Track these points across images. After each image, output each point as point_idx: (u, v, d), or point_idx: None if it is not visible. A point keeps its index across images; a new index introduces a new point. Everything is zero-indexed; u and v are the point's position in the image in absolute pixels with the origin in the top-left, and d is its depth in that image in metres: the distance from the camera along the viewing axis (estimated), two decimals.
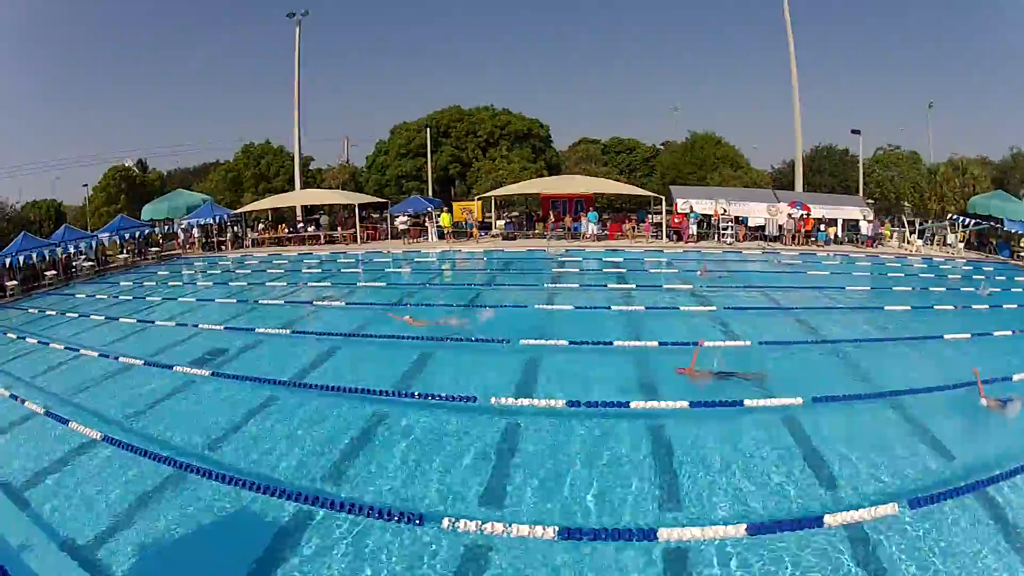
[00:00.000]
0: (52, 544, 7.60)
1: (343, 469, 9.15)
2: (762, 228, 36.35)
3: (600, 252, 32.98)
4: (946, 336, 15.20)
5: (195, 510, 8.14)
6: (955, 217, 33.16)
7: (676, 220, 37.19)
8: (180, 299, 25.72)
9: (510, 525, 6.91)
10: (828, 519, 6.91)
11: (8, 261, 29.94)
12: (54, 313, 24.67)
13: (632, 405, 10.47)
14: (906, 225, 35.68)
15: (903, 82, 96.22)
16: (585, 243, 37.47)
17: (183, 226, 42.11)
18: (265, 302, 24.19)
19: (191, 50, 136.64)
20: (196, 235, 41.98)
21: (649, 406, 10.56)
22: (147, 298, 26.34)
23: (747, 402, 10.40)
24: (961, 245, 32.30)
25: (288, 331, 18.72)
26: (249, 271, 32.99)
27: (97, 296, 27.41)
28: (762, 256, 30.86)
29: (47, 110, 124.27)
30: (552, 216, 42.08)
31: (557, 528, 6.91)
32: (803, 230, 34.93)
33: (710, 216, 36.88)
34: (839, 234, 35.11)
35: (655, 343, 14.61)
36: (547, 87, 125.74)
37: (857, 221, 35.15)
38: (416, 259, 34.86)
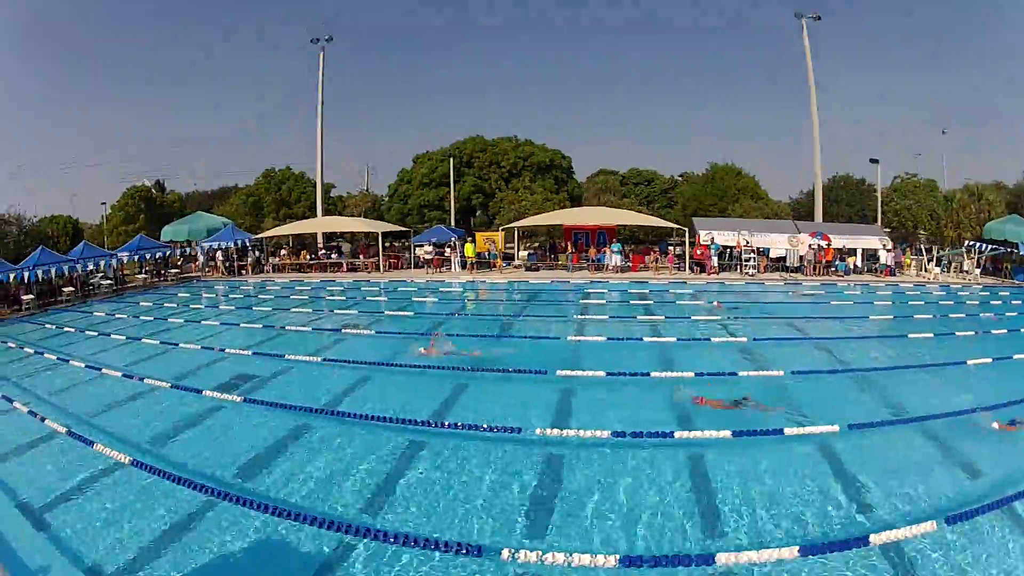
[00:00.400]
0: (71, 567, 7.23)
1: (382, 499, 8.71)
2: (783, 259, 36.14)
3: (625, 284, 32.50)
4: (969, 362, 15.32)
5: (223, 537, 7.73)
6: (971, 243, 33.15)
7: (699, 252, 36.84)
8: (203, 321, 24.80)
9: (571, 555, 6.69)
10: (873, 538, 6.97)
11: (26, 275, 29.05)
12: (73, 330, 23.86)
13: (676, 435, 10.41)
14: (923, 253, 35.54)
15: (917, 109, 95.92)
16: (609, 275, 36.93)
17: (204, 248, 40.88)
18: (292, 328, 23.35)
19: (214, 74, 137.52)
20: (220, 258, 41.00)
21: (692, 436, 10.45)
22: (169, 319, 25.49)
23: (787, 431, 10.39)
24: (977, 271, 32.18)
25: (317, 358, 17.88)
26: (272, 296, 32.27)
27: (116, 315, 26.67)
28: (784, 287, 30.59)
29: (67, 125, 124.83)
30: (571, 247, 41.76)
31: (618, 556, 6.73)
32: (823, 260, 34.69)
33: (732, 247, 36.65)
34: (858, 264, 34.86)
35: (691, 373, 14.25)
36: (565, 117, 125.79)
37: (876, 251, 34.94)
38: (441, 289, 34.30)
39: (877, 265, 34.32)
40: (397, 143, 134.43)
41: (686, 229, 38.91)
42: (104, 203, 58.73)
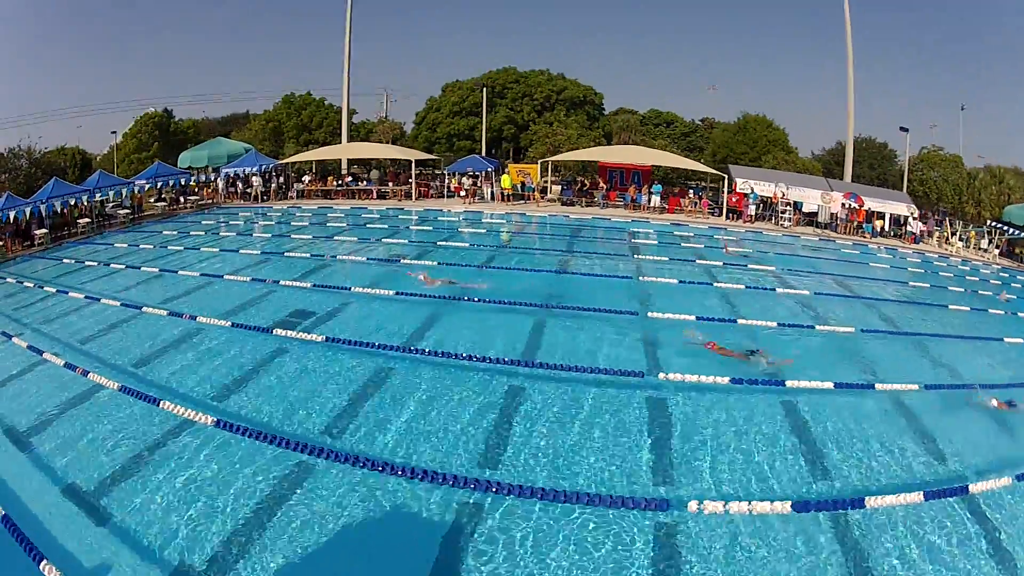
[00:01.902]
0: (90, 508, 7.34)
1: (515, 453, 8.43)
2: (815, 214, 35.21)
3: (667, 225, 31.37)
4: (1006, 340, 15.11)
5: (285, 483, 7.71)
6: (993, 224, 33.13)
7: (734, 199, 35.86)
8: (241, 251, 22.49)
9: (751, 503, 7.02)
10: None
11: (43, 208, 26.54)
12: (95, 264, 21.48)
13: (788, 383, 10.48)
14: (948, 226, 34.65)
15: (938, 82, 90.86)
16: (647, 215, 35.20)
17: (225, 175, 38.03)
18: (345, 258, 21.11)
19: None
20: (256, 183, 38.42)
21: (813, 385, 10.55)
22: (201, 248, 23.21)
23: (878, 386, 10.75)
24: (996, 252, 31.77)
25: (387, 291, 16.09)
26: (307, 223, 29.99)
27: (141, 246, 24.14)
28: (819, 243, 30.00)
29: (67, 56, 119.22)
30: (604, 184, 39.56)
31: (791, 503, 7.09)
32: (854, 221, 34.13)
33: (768, 198, 35.79)
34: (885, 227, 34.19)
35: (773, 323, 14.07)
36: (585, 51, 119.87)
37: (904, 217, 34.30)
38: (484, 220, 32.17)
39: (904, 231, 33.69)
40: (418, 70, 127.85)
41: (725, 177, 37.30)
42: (115, 132, 55.45)
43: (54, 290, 17.91)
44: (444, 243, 24.51)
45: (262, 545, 6.66)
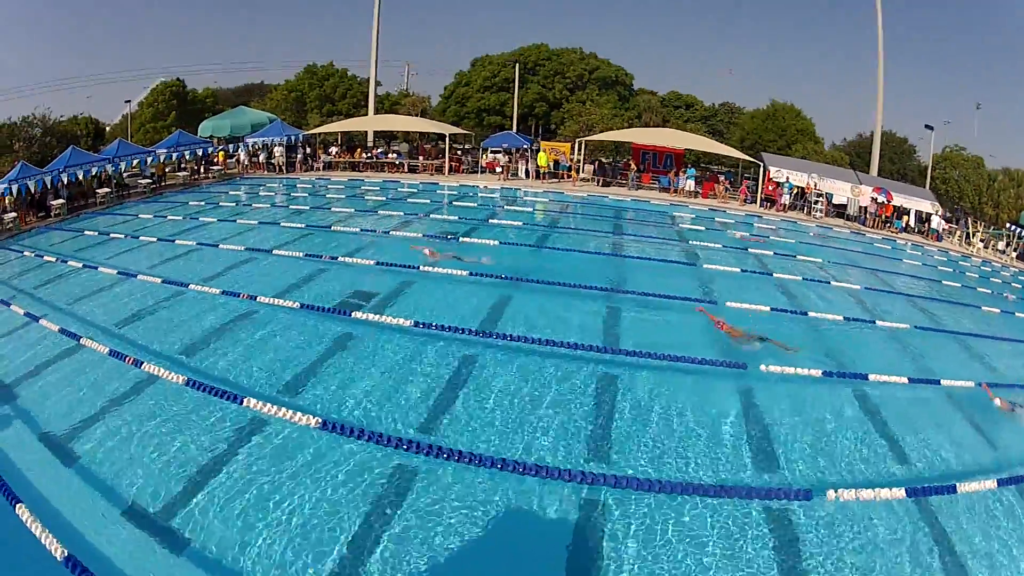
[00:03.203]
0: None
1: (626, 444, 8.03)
2: (844, 207, 34.87)
3: (704, 211, 30.16)
4: None
5: (315, 465, 7.30)
6: (1013, 227, 33.00)
7: (771, 187, 35.04)
8: (284, 223, 20.71)
9: (877, 490, 7.19)
10: None
11: (65, 178, 24.83)
12: (122, 236, 19.59)
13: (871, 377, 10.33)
14: (970, 226, 34.55)
15: (955, 78, 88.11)
16: (684, 199, 34.08)
17: (248, 144, 36.17)
18: (397, 233, 19.49)
19: None
20: (278, 154, 36.41)
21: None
22: (237, 220, 21.46)
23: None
24: (1015, 254, 31.58)
25: (457, 271, 14.71)
26: (343, 196, 28.18)
27: (169, 217, 22.24)
28: (854, 236, 29.26)
29: (72, 25, 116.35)
30: (635, 166, 38.19)
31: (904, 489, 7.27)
32: (883, 215, 33.72)
33: (801, 188, 35.09)
34: (911, 224, 33.69)
35: (839, 317, 13.80)
36: (608, 31, 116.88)
37: (928, 215, 34.00)
38: (525, 198, 30.42)
39: (927, 228, 33.32)
40: (440, 46, 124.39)
41: (760, 164, 36.25)
42: (128, 101, 53.39)
43: (80, 264, 16.10)
44: (495, 221, 22.99)
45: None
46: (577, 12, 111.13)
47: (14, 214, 22.48)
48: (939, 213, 34.06)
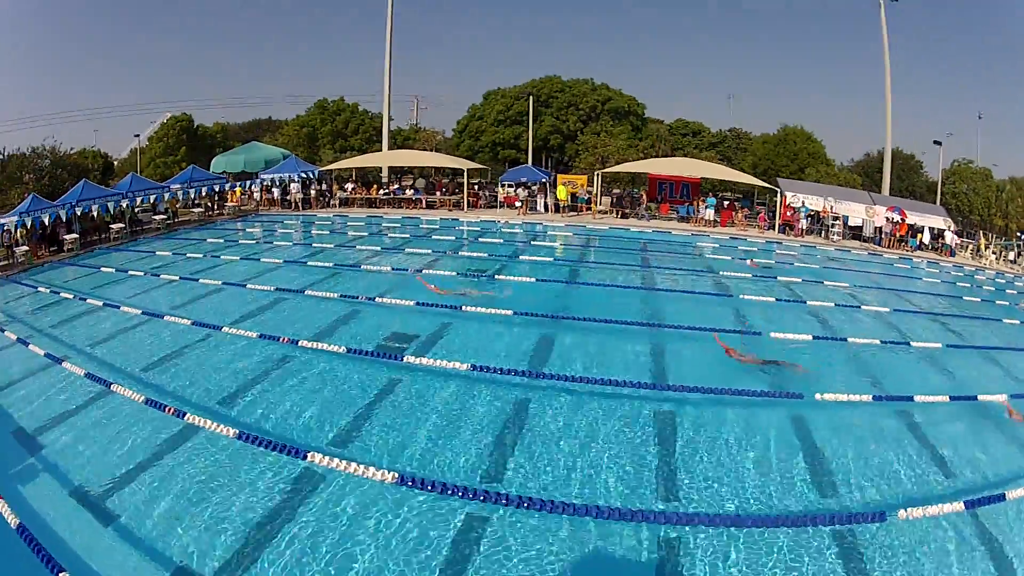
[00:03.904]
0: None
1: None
2: (859, 228, 34.84)
3: (728, 240, 30.11)
4: None
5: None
6: (1022, 236, 33.51)
7: (789, 213, 35.07)
8: (310, 262, 19.96)
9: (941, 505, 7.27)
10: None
11: (78, 210, 24.08)
12: (140, 274, 18.71)
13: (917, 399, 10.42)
14: (983, 239, 34.84)
15: (957, 90, 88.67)
16: (704, 228, 33.86)
17: (263, 181, 35.83)
18: (429, 271, 18.64)
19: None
20: (294, 190, 35.75)
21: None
22: (261, 259, 20.57)
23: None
24: None
25: (496, 309, 13.96)
26: (365, 234, 27.42)
27: (189, 255, 21.49)
28: (872, 258, 29.50)
29: (78, 58, 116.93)
30: (647, 197, 38.55)
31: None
32: (897, 235, 33.83)
33: (817, 212, 35.25)
34: (925, 241, 33.72)
35: (876, 341, 13.74)
36: (611, 61, 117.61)
37: (941, 231, 34.13)
38: (549, 232, 29.90)
39: (941, 244, 33.41)
40: (448, 81, 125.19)
41: (777, 190, 36.23)
42: (138, 135, 53.16)
43: (100, 303, 15.13)
44: (526, 257, 22.30)
45: None
46: (583, 42, 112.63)
47: (26, 248, 21.64)
48: (951, 228, 34.23)
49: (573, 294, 16.95)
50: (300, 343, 11.51)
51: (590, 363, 11.36)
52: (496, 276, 18.22)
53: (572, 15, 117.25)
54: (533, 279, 18.01)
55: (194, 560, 6.21)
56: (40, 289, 17.38)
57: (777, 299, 17.27)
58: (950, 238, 33.69)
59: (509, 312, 13.65)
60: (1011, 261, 32.65)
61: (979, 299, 21.28)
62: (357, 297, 14.99)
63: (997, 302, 21.11)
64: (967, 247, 34.46)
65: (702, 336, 12.81)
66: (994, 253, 33.58)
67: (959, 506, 7.30)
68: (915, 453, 8.84)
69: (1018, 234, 34.83)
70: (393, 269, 18.55)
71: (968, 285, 24.11)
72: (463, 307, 13.96)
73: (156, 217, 28.76)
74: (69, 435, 8.74)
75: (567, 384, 10.10)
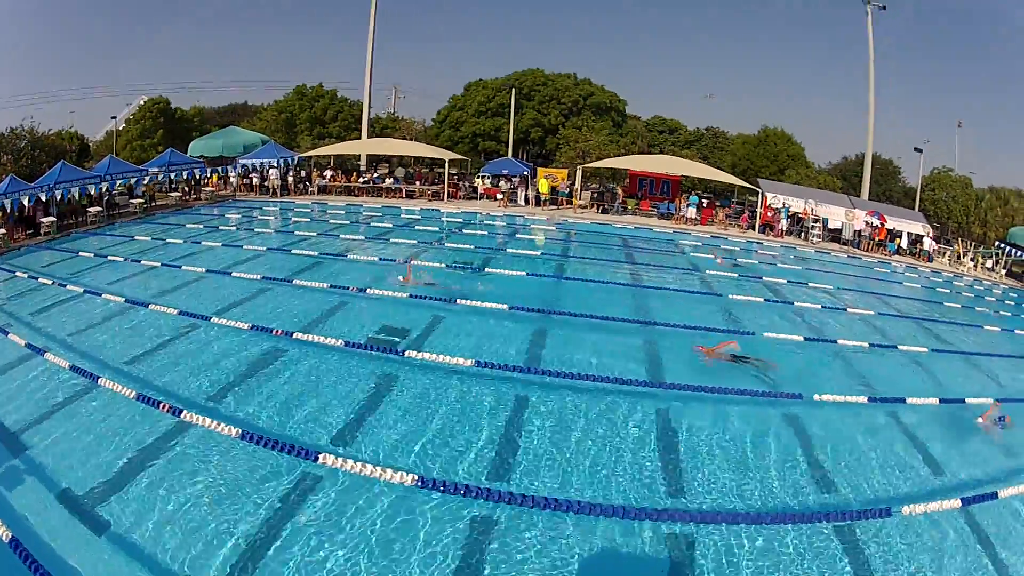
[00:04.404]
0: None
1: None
2: (839, 231, 35.54)
3: (706, 237, 30.14)
4: None
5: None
6: (1001, 245, 33.98)
7: (769, 214, 35.41)
8: (295, 250, 19.82)
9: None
10: None
11: (59, 194, 23.73)
12: (121, 259, 18.41)
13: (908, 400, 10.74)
14: (960, 246, 35.66)
15: (935, 97, 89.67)
16: (686, 226, 34.00)
17: (242, 166, 35.47)
18: (418, 262, 18.24)
19: None
20: (273, 176, 35.21)
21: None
22: (244, 247, 20.29)
23: None
24: (1003, 272, 32.69)
25: (496, 303, 13.87)
26: (347, 222, 27.16)
27: (168, 240, 21.17)
28: (852, 261, 29.85)
29: (51, 40, 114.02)
30: (620, 193, 38.62)
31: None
32: (876, 239, 34.42)
33: (797, 214, 35.78)
34: (903, 246, 34.47)
35: (865, 344, 14.14)
36: (591, 56, 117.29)
37: (920, 236, 34.95)
38: (532, 225, 29.67)
39: (919, 250, 34.05)
40: (427, 71, 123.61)
41: (759, 190, 36.60)
42: (114, 117, 52.17)
43: (81, 290, 14.81)
44: (513, 251, 22.39)
45: None
46: (564, 37, 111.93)
47: (2, 231, 21.11)
48: (930, 235, 34.84)
49: (561, 289, 17.08)
50: (294, 335, 11.40)
51: (582, 358, 11.37)
52: (484, 268, 18.29)
53: (551, 8, 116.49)
54: (523, 272, 18.00)
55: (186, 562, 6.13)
56: (18, 274, 16.95)
57: (765, 299, 17.55)
58: (929, 244, 34.25)
59: (504, 307, 13.71)
60: (988, 269, 33.20)
61: (960, 305, 21.65)
62: (348, 288, 14.79)
63: (977, 308, 21.58)
64: (944, 253, 35.08)
65: (685, 333, 13.05)
66: (972, 260, 34.09)
67: (956, 503, 7.61)
68: (906, 451, 9.23)
69: (997, 243, 35.20)
70: (381, 259, 18.50)
71: (948, 291, 24.61)
72: (457, 300, 14.00)
73: (133, 201, 28.21)
74: (54, 432, 8.50)
75: (554, 379, 10.19)
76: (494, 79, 56.24)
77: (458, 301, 13.92)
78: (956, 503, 7.68)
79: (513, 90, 50.55)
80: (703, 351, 11.80)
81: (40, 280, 16.12)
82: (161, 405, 8.50)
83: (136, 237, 21.67)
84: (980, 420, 10.46)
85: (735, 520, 6.96)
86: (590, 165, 40.01)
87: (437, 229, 26.02)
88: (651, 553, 6.47)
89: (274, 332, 11.49)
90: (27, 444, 8.13)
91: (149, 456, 7.83)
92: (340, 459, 7.37)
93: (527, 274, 17.86)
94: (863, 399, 10.63)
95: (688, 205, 35.91)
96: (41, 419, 8.80)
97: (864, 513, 7.28)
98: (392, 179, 38.12)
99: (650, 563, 6.37)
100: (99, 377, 9.58)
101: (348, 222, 26.91)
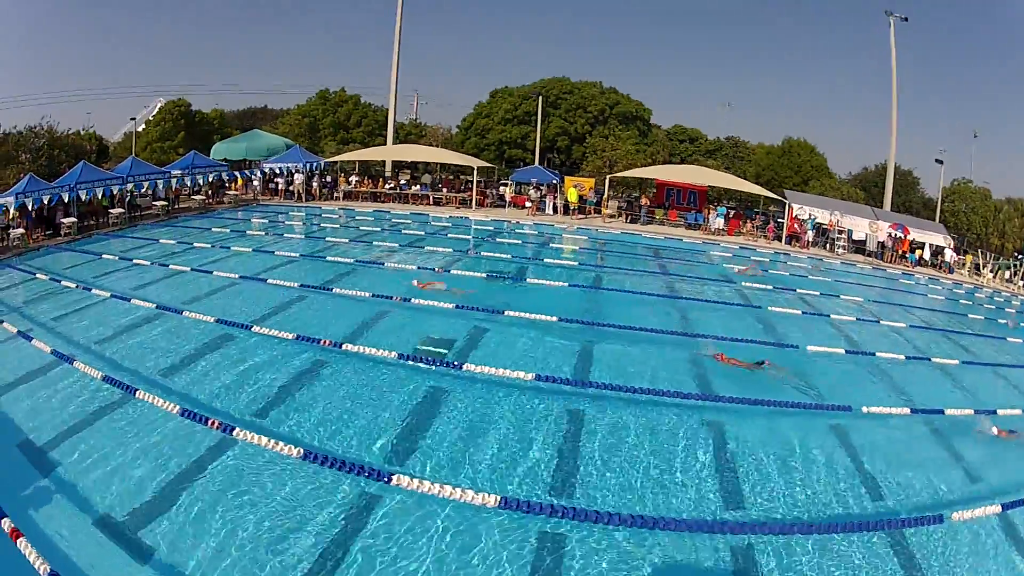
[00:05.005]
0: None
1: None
2: (863, 242, 35.41)
3: (738, 249, 29.82)
4: None
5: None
6: (1019, 256, 34.11)
7: (796, 225, 35.30)
8: (329, 256, 18.93)
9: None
10: None
11: (83, 195, 23.10)
12: (146, 263, 17.65)
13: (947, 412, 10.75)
14: (982, 258, 35.49)
15: (952, 107, 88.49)
16: (714, 237, 33.60)
17: (269, 170, 34.87)
18: (458, 272, 17.79)
19: None
20: (299, 181, 34.46)
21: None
22: (276, 252, 19.50)
23: None
24: (1022, 283, 32.69)
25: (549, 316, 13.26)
26: (378, 229, 26.10)
27: (196, 244, 20.38)
28: (877, 272, 29.86)
29: (71, 39, 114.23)
30: (645, 202, 37.91)
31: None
32: (899, 251, 34.32)
33: (822, 225, 35.72)
34: (925, 258, 34.33)
35: (901, 356, 14.00)
36: (613, 65, 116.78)
37: (941, 248, 34.82)
38: (565, 235, 29.26)
39: (941, 262, 34.06)
40: (447, 78, 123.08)
41: (786, 201, 36.33)
42: (133, 118, 51.66)
43: (107, 294, 13.93)
44: (550, 260, 21.78)
45: None
46: (587, 46, 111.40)
47: (21, 230, 20.34)
48: (951, 246, 34.84)
49: (602, 299, 16.67)
50: (344, 346, 10.51)
51: (631, 371, 11.14)
52: (523, 279, 17.75)
53: (572, 17, 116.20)
54: (565, 283, 17.39)
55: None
56: (38, 276, 16.17)
57: (804, 312, 17.34)
58: (950, 256, 34.23)
59: (553, 319, 13.08)
60: (1007, 280, 33.32)
61: (983, 317, 21.70)
62: (392, 297, 13.92)
63: (1000, 320, 21.60)
64: (963, 264, 34.92)
65: (749, 347, 12.84)
66: (992, 272, 34.04)
67: (996, 508, 7.71)
68: (948, 460, 9.51)
69: (1015, 254, 35.38)
70: (419, 268, 17.71)
71: (970, 303, 24.84)
72: (505, 312, 13.23)
73: (156, 203, 27.47)
74: (90, 449, 7.71)
75: (609, 392, 10.00)
76: (520, 87, 55.62)
77: (507, 312, 13.25)
78: (997, 508, 7.69)
79: (540, 97, 49.84)
80: (722, 359, 11.72)
81: (63, 283, 15.26)
82: (211, 422, 7.55)
83: (161, 240, 20.89)
84: (994, 432, 10.51)
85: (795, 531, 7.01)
86: (619, 174, 39.67)
87: (470, 237, 25.37)
88: (709, 565, 6.36)
89: (323, 343, 10.48)
90: (61, 463, 7.41)
91: (196, 477, 7.12)
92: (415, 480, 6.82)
93: (569, 284, 17.32)
94: (906, 410, 10.75)
95: (716, 216, 35.49)
96: (72, 433, 8.06)
97: (919, 520, 7.35)
98: (419, 186, 37.20)
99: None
100: (136, 389, 8.61)
101: (378, 229, 26.01)
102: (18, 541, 5.44)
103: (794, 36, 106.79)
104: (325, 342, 10.66)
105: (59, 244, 21.12)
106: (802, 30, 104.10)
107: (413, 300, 13.66)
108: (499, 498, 6.53)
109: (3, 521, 5.71)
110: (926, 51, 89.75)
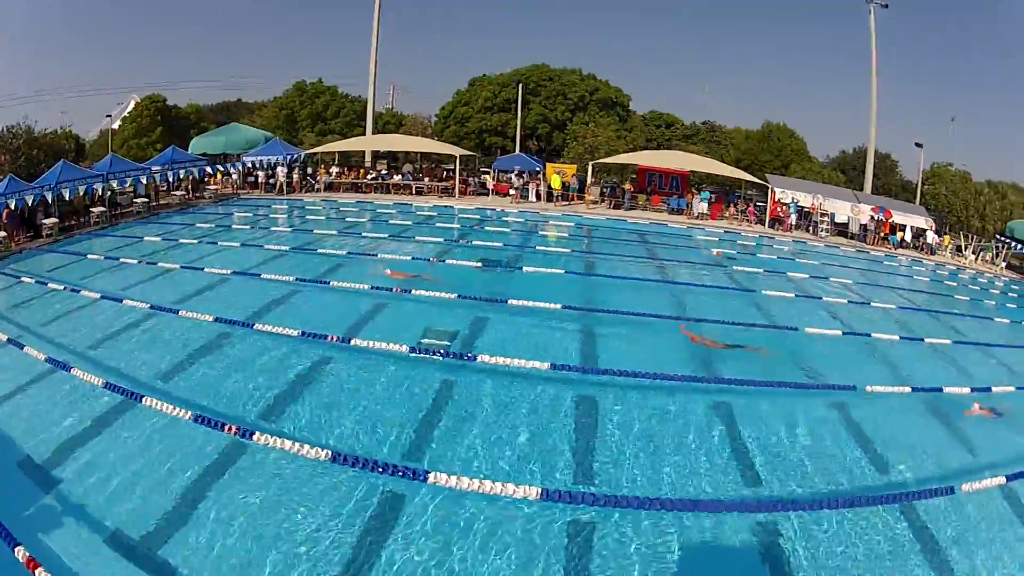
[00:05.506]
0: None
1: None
2: (845, 225, 35.88)
3: (723, 233, 30.04)
4: None
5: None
6: (1001, 238, 34.63)
7: (779, 209, 35.55)
8: (321, 249, 18.88)
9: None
10: None
11: (66, 193, 22.78)
12: (133, 262, 17.29)
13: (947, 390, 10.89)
14: (961, 239, 36.21)
15: (929, 91, 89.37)
16: (697, 222, 33.91)
17: (249, 163, 34.49)
18: (452, 262, 17.90)
19: None
20: (280, 174, 34.22)
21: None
22: (264, 247, 19.20)
23: None
24: (1003, 264, 33.36)
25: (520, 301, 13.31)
26: (363, 220, 26.05)
27: (181, 241, 20.11)
28: (860, 254, 30.14)
29: (44, 37, 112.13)
30: (628, 187, 38.17)
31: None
32: (881, 233, 34.87)
33: (805, 208, 36.15)
34: (907, 239, 34.80)
35: (895, 336, 14.24)
36: (586, 49, 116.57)
37: (923, 230, 35.45)
38: (551, 222, 29.16)
39: (923, 243, 34.63)
40: (430, 66, 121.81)
41: (768, 185, 36.60)
42: (109, 115, 50.82)
43: (97, 295, 13.62)
44: (542, 247, 21.84)
45: None
46: (564, 32, 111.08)
47: (3, 233, 19.93)
48: (932, 228, 35.31)
49: (598, 285, 16.61)
50: (352, 341, 10.44)
51: (632, 356, 11.14)
52: (515, 266, 17.63)
53: (549, 2, 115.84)
54: (561, 270, 17.39)
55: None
56: (23, 279, 15.87)
57: (797, 295, 17.61)
58: (932, 237, 34.67)
59: (553, 305, 13.11)
60: (989, 262, 33.83)
61: (968, 298, 22.10)
62: (391, 289, 13.92)
63: (985, 301, 22.21)
64: (944, 246, 35.49)
65: (752, 331, 13.12)
66: (973, 253, 34.59)
67: (1000, 479, 8.02)
68: (952, 435, 9.73)
69: (996, 236, 35.87)
70: (413, 257, 17.73)
71: (955, 284, 25.07)
72: (509, 301, 13.25)
73: (136, 200, 27.07)
74: (94, 459, 7.58)
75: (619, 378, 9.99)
76: (499, 74, 55.30)
77: (511, 301, 13.24)
78: (1002, 480, 7.96)
79: (520, 85, 49.70)
80: (691, 337, 11.97)
81: (50, 285, 14.98)
82: (227, 427, 7.41)
83: (146, 238, 20.60)
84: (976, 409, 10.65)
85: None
86: (603, 160, 39.58)
87: (459, 226, 25.47)
88: (729, 543, 6.53)
89: (330, 339, 10.39)
90: (64, 476, 7.26)
91: (196, 476, 7.10)
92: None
93: (565, 271, 17.30)
94: (907, 389, 10.85)
95: (700, 200, 35.68)
96: (76, 444, 7.89)
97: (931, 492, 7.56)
98: (401, 176, 37.04)
99: (735, 553, 6.44)
100: (142, 396, 8.43)
101: (364, 220, 25.95)
102: (16, 550, 5.45)
103: (772, 21, 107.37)
104: (332, 338, 10.53)
105: (41, 246, 20.65)
106: (779, 15, 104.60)
107: (412, 291, 13.58)
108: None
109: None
110: (902, 35, 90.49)
